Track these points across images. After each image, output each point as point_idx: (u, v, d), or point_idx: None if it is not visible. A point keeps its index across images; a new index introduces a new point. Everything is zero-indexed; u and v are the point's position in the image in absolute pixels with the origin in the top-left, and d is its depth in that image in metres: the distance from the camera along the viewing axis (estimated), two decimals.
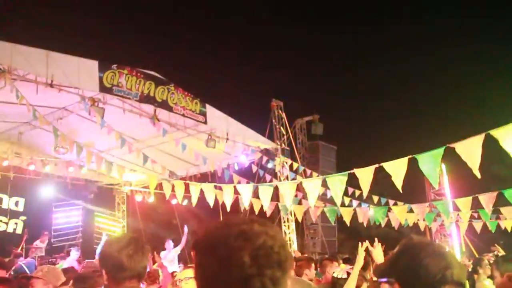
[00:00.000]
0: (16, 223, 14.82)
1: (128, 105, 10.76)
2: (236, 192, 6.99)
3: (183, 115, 11.50)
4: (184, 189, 7.63)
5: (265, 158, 14.62)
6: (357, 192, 12.76)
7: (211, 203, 7.31)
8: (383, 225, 10.17)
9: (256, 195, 7.18)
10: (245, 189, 6.69)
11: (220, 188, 7.06)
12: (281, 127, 16.84)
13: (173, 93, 11.22)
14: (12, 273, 7.90)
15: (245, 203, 7.02)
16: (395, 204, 12.60)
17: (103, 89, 9.63)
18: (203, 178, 15.15)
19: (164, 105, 10.98)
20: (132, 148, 10.52)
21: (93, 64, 9.59)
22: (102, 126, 9.49)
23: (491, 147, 4.90)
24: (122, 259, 2.33)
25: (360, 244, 3.93)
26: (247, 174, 14.45)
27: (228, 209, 7.60)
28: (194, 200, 7.51)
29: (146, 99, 10.55)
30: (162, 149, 13.75)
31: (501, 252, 7.67)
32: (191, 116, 11.71)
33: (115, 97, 10.07)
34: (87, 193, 16.42)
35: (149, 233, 19.57)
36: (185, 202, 10.23)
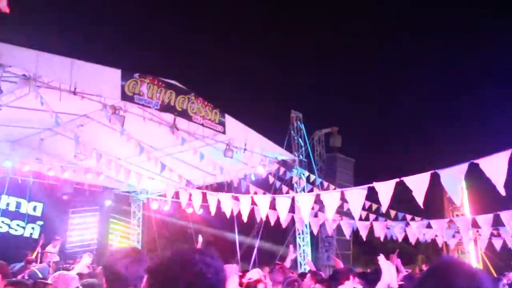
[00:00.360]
0: (33, 228, 15.01)
1: (148, 113, 10.86)
2: (253, 202, 6.97)
3: (202, 124, 11.55)
4: (201, 199, 7.65)
5: (282, 169, 14.58)
6: (374, 206, 12.64)
7: (228, 213, 7.30)
8: (400, 240, 10.04)
9: (272, 206, 7.18)
10: (263, 200, 6.66)
11: (237, 199, 7.06)
12: (299, 139, 16.85)
13: (193, 102, 11.29)
14: (26, 277, 7.96)
15: (262, 214, 6.99)
16: (413, 219, 12.47)
17: (125, 97, 9.74)
18: (219, 187, 15.17)
19: (184, 114, 11.05)
20: (150, 156, 10.59)
21: (116, 73, 9.72)
22: (122, 134, 9.58)
23: None
24: (119, 269, 2.44)
25: (379, 258, 3.80)
26: (264, 185, 14.41)
27: (246, 219, 7.57)
28: (213, 210, 7.51)
29: (166, 108, 10.64)
30: (180, 157, 13.81)
31: None
32: (210, 126, 11.76)
33: (135, 105, 10.18)
34: (104, 200, 16.55)
35: (163, 242, 19.65)
36: (200, 211, 10.27)
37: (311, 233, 15.93)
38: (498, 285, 6.88)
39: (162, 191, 15.11)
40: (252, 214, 8.51)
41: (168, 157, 13.39)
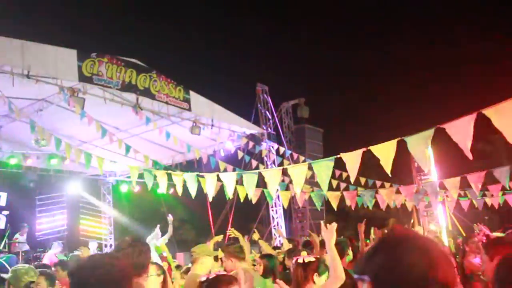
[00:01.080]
0: None
1: (109, 94, 10.51)
2: (220, 180, 6.83)
3: (166, 102, 11.28)
4: (168, 178, 7.46)
5: (251, 143, 14.47)
6: (344, 174, 12.71)
7: (193, 193, 7.14)
8: (370, 207, 10.12)
9: (241, 182, 7.06)
10: (229, 177, 6.53)
11: (203, 177, 6.90)
12: (267, 112, 16.71)
13: (156, 80, 10.99)
14: None
15: (228, 192, 6.86)
16: (382, 186, 12.61)
17: (83, 78, 9.37)
18: (189, 165, 15.01)
19: (147, 93, 10.75)
20: (113, 138, 10.30)
21: (71, 53, 9.32)
22: (82, 117, 9.25)
23: (481, 128, 4.81)
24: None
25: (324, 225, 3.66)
26: (234, 160, 14.31)
27: (210, 199, 7.43)
28: (180, 190, 7.34)
29: (128, 87, 10.32)
30: (146, 138, 13.55)
31: (485, 231, 7.71)
32: (174, 104, 11.50)
33: (95, 86, 9.82)
34: (71, 185, 16.16)
35: (136, 223, 19.43)
36: (172, 190, 10.07)
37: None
38: (467, 243, 6.98)
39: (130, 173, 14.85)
40: (223, 190, 8.40)
41: (134, 138, 13.11)
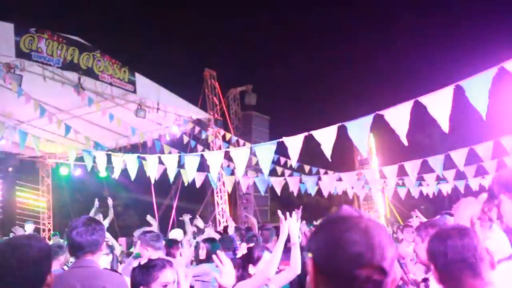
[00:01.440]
0: None
1: (49, 72, 10.07)
2: (162, 163, 6.70)
3: (110, 83, 10.96)
4: (110, 161, 7.26)
5: (197, 129, 14.36)
6: (289, 162, 12.87)
7: (133, 175, 6.97)
8: (313, 194, 10.30)
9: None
10: (170, 160, 6.42)
11: (144, 159, 6.75)
12: (214, 97, 16.59)
13: (99, 60, 10.63)
14: None
15: (170, 175, 6.75)
16: (326, 173, 12.87)
17: (20, 54, 8.92)
18: (133, 149, 14.71)
19: (90, 72, 10.38)
20: (52, 119, 9.91)
21: (8, 27, 8.83)
22: (19, 95, 8.83)
23: (418, 117, 4.99)
24: (73, 237, 2.82)
25: (282, 215, 3.66)
26: (179, 145, 14.16)
27: (153, 181, 7.28)
28: (117, 173, 7.15)
29: (69, 66, 9.92)
30: (89, 119, 13.13)
31: (420, 217, 8.07)
32: (119, 85, 11.19)
33: (34, 63, 9.38)
34: (7, 166, 15.45)
35: (77, 207, 18.89)
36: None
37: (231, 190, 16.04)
38: (402, 231, 7.23)
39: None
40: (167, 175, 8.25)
41: (75, 119, 12.68)
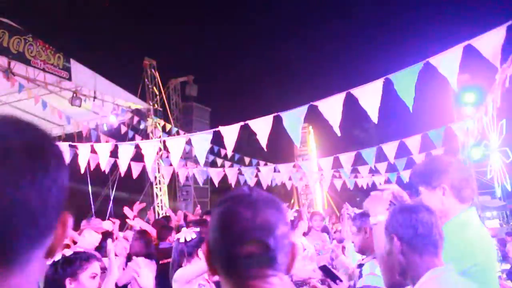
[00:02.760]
0: None
1: None
2: (94, 152, 6.50)
3: (43, 69, 10.48)
4: None
5: (136, 119, 14.08)
6: (228, 154, 12.90)
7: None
8: (252, 185, 10.38)
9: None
10: (103, 148, 6.24)
11: (76, 147, 6.52)
12: (154, 87, 16.27)
13: (31, 44, 10.14)
14: None
15: (102, 164, 6.57)
16: (266, 165, 13.03)
17: None
18: (68, 139, 14.20)
19: (20, 57, 9.88)
20: None
21: None
22: None
23: (352, 110, 5.14)
24: None
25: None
26: (117, 135, 13.81)
27: (82, 170, 7.03)
28: None
29: None
30: (19, 107, 12.51)
31: (350, 208, 8.38)
32: (52, 71, 10.72)
33: None
34: None
35: None
36: None
37: (170, 182, 15.81)
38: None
39: None
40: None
41: (4, 107, 12.05)
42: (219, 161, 13.40)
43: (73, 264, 2.61)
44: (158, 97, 16.26)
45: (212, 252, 1.12)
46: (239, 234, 1.07)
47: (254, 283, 1.06)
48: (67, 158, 6.53)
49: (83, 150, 6.35)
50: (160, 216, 15.40)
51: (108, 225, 7.75)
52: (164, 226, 5.99)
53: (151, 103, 15.54)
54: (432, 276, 1.79)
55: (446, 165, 2.30)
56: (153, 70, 16.40)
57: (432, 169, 2.31)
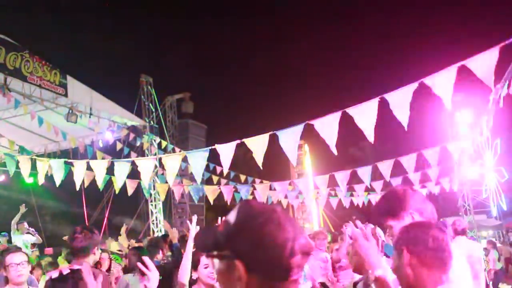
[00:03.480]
0: None
1: None
2: (89, 168, 6.46)
3: (39, 86, 10.51)
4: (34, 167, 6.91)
5: (132, 135, 14.07)
6: (224, 172, 12.86)
7: (58, 181, 6.66)
8: None
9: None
10: (99, 165, 6.22)
11: (72, 164, 6.48)
12: (150, 104, 16.30)
13: (28, 61, 10.18)
14: None
15: (98, 181, 6.53)
16: (261, 182, 12.99)
17: None
18: (64, 155, 14.16)
19: (17, 73, 9.90)
20: None
21: None
22: None
23: (348, 128, 5.17)
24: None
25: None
26: (113, 152, 13.79)
27: (78, 187, 6.96)
28: (41, 179, 6.81)
29: None
30: (15, 123, 12.52)
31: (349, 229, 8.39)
32: (49, 87, 10.75)
33: None
34: None
35: (0, 215, 17.88)
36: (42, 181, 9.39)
37: (166, 199, 15.76)
38: (342, 237, 7.54)
39: None
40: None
41: (0, 122, 12.05)
42: (214, 178, 13.36)
43: (66, 282, 2.60)
44: (154, 114, 16.28)
45: (252, 271, 1.14)
46: (285, 247, 1.14)
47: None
48: (62, 175, 6.51)
49: (79, 167, 6.33)
50: (155, 233, 15.31)
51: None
52: (151, 245, 5.92)
53: (147, 120, 15.55)
54: None
55: (403, 194, 2.37)
56: (149, 87, 16.45)
57: (394, 201, 2.38)
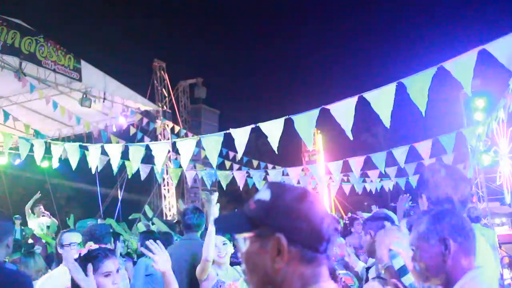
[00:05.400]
0: None
1: None
2: (106, 153, 6.49)
3: (54, 70, 10.56)
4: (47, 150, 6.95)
5: (145, 120, 14.12)
6: (238, 157, 12.87)
7: (74, 165, 6.71)
8: (260, 188, 10.35)
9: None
10: (114, 149, 6.24)
11: (86, 148, 6.51)
12: (163, 89, 16.33)
13: (43, 45, 10.22)
14: None
15: (113, 165, 6.56)
16: (274, 168, 12.99)
17: None
18: (77, 140, 14.26)
19: (32, 58, 9.97)
20: None
21: None
22: None
23: (362, 114, 5.12)
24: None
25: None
26: (126, 137, 13.85)
27: (93, 171, 7.01)
28: (55, 162, 6.86)
29: (10, 50, 9.48)
30: (31, 107, 12.61)
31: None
32: (63, 72, 10.80)
33: None
34: None
35: (16, 199, 18.13)
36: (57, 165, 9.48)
37: (179, 184, 15.85)
38: (353, 224, 7.55)
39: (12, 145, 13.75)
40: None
41: (15, 107, 12.15)
42: (227, 163, 13.39)
43: (87, 262, 2.61)
44: (167, 99, 16.31)
45: (294, 244, 1.17)
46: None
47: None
48: (77, 158, 6.55)
49: (94, 151, 6.36)
50: (168, 217, 15.44)
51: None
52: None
53: (160, 105, 15.59)
54: (473, 276, 1.83)
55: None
56: (162, 72, 16.46)
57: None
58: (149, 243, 2.75)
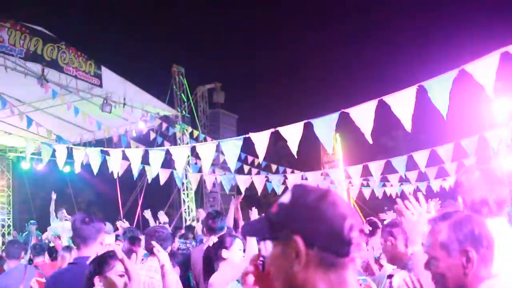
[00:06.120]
0: None
1: (11, 62, 9.77)
2: (126, 158, 6.55)
3: (75, 76, 10.74)
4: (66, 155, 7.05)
5: (164, 125, 14.23)
6: (256, 161, 12.88)
7: (95, 170, 6.80)
8: (279, 193, 10.33)
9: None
10: (134, 154, 6.30)
11: (107, 153, 6.59)
12: (182, 94, 16.43)
13: (64, 52, 10.41)
14: None
15: (134, 170, 6.62)
16: (292, 172, 12.95)
17: None
18: (98, 145, 14.44)
19: (54, 64, 10.15)
20: (14, 111, 9.63)
21: None
22: None
23: (382, 117, 5.08)
24: None
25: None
26: (146, 142, 13.99)
27: (115, 175, 7.10)
28: (78, 167, 6.96)
29: (33, 57, 9.68)
30: (53, 113, 12.81)
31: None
32: (84, 78, 10.97)
33: None
34: None
35: (39, 203, 18.42)
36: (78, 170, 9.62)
37: (198, 188, 15.91)
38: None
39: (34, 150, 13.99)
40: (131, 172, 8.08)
41: (38, 112, 12.34)
42: (246, 168, 13.40)
43: (103, 261, 2.65)
44: (186, 103, 16.40)
45: (312, 246, 1.13)
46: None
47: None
48: (98, 163, 6.63)
49: (115, 155, 6.43)
50: (187, 222, 15.50)
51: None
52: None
53: (179, 110, 15.69)
54: (489, 285, 1.76)
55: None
56: (181, 77, 16.56)
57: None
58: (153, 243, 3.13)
